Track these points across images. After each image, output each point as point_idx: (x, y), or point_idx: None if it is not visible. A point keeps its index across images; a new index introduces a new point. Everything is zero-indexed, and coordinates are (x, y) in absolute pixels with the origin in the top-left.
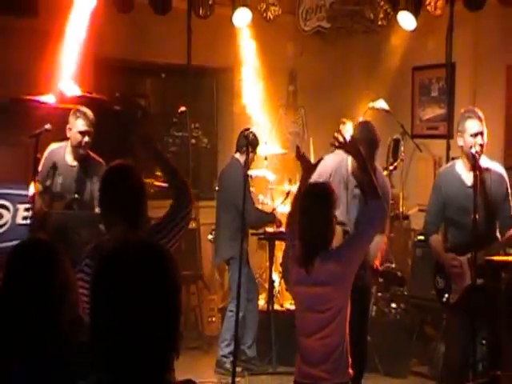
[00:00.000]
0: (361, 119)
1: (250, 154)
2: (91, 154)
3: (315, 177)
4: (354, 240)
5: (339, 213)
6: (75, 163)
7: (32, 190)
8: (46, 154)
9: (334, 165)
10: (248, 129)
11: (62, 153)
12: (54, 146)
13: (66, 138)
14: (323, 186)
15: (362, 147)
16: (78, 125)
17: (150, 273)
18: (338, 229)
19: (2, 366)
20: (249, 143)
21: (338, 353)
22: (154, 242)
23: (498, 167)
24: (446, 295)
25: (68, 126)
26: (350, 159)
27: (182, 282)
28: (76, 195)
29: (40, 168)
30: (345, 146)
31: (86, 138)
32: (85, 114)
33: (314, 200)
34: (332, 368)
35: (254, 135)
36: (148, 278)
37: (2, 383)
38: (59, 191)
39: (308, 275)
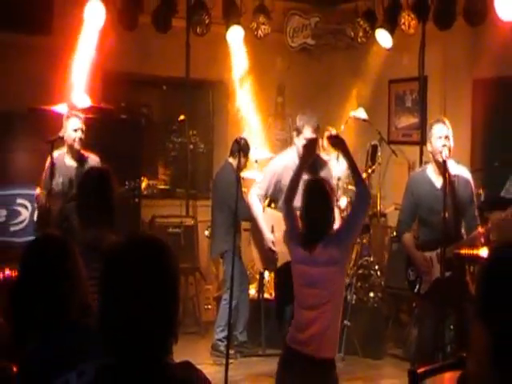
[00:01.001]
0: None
1: (242, 159)
2: (85, 153)
3: (268, 173)
4: (352, 226)
5: (296, 200)
6: (73, 163)
7: (38, 190)
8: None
9: (283, 162)
10: (241, 136)
11: (61, 158)
12: (55, 153)
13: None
14: (322, 182)
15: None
16: (70, 124)
17: (150, 268)
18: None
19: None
20: (240, 149)
21: (332, 330)
22: (156, 237)
23: (464, 172)
24: (417, 286)
25: (62, 129)
26: (296, 156)
27: (180, 274)
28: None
29: (44, 173)
30: (334, 143)
31: (79, 134)
32: (75, 115)
33: (315, 194)
34: (326, 341)
35: (246, 142)
36: (149, 273)
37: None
38: (61, 189)
39: (311, 256)
